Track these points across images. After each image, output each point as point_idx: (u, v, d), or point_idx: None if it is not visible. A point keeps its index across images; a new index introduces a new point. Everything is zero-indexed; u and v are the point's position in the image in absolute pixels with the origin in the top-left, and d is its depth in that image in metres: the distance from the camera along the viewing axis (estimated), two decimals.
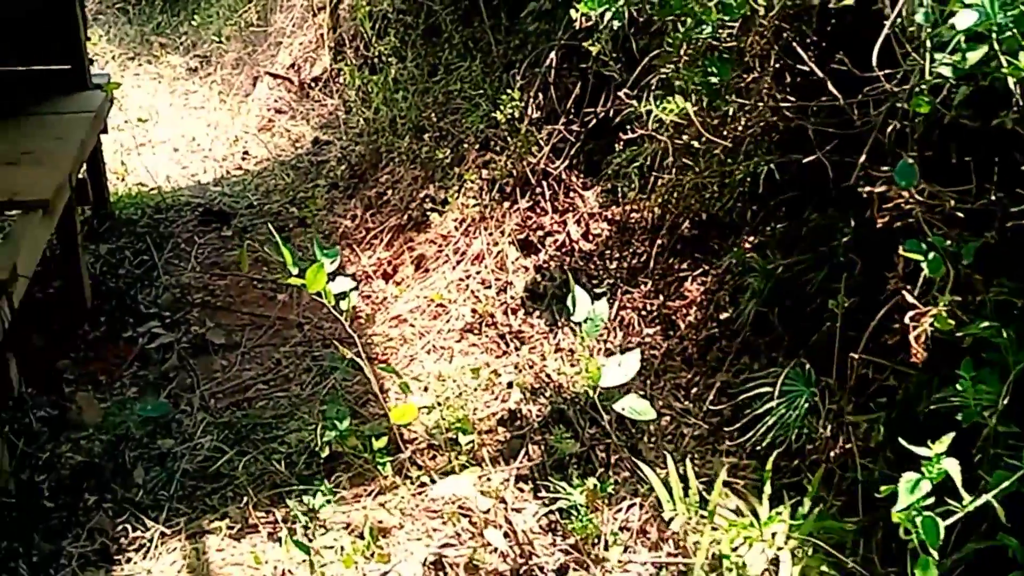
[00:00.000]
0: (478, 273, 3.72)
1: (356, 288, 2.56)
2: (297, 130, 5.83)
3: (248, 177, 5.40)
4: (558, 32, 3.85)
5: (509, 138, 3.86)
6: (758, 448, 2.47)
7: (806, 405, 2.34)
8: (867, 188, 1.94)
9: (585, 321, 2.30)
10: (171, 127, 6.37)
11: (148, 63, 7.84)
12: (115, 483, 2.55)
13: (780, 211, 2.83)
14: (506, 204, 3.83)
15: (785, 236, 2.70)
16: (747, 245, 2.88)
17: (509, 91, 3.81)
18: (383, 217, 4.49)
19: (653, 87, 2.99)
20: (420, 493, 2.62)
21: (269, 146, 5.75)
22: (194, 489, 2.65)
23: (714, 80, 2.19)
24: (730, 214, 2.95)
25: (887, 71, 1.93)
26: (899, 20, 1.89)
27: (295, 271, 2.41)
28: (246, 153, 5.77)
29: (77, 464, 2.55)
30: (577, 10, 3.24)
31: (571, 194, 3.69)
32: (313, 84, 5.95)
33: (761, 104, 2.31)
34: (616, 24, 2.67)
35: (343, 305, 2.50)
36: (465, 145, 4.19)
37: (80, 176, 4.05)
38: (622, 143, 3.30)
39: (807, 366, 2.38)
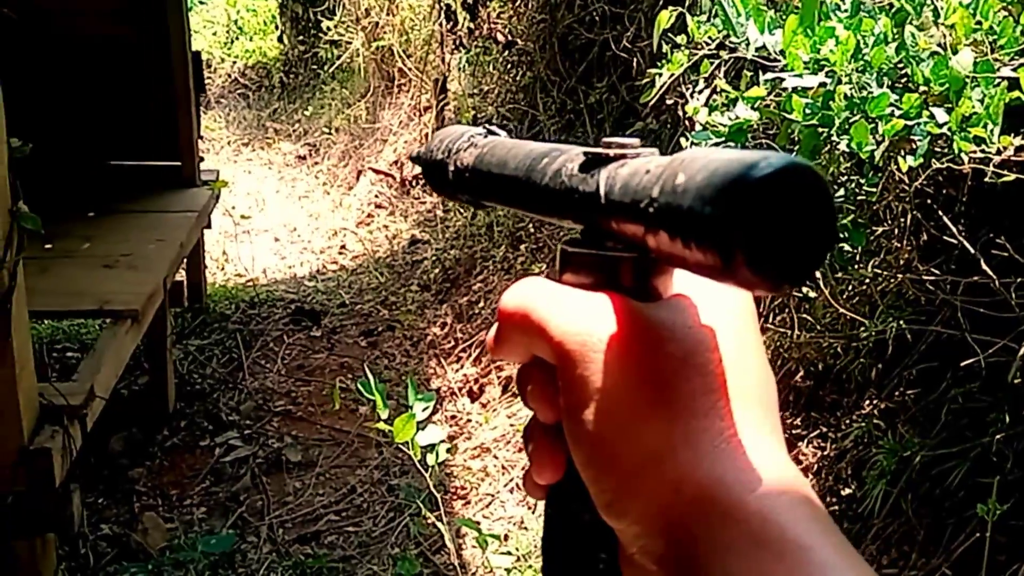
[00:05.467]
0: None
1: (444, 441, 2.37)
2: (395, 227, 5.81)
3: (343, 273, 5.37)
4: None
5: None
6: None
7: None
8: None
9: None
10: (275, 215, 6.47)
11: (261, 149, 8.08)
12: None
13: (911, 375, 2.52)
14: None
15: (919, 409, 2.38)
16: (872, 410, 2.57)
17: None
18: (473, 329, 4.33)
19: None
20: None
21: (366, 242, 5.73)
22: None
23: (847, 248, 1.95)
24: (851, 370, 2.65)
25: None
26: None
27: (384, 415, 2.27)
28: (343, 247, 5.77)
29: None
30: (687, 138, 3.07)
31: None
32: (414, 182, 5.94)
33: (900, 275, 2.05)
34: None
35: (430, 460, 2.31)
36: None
37: (178, 277, 4.06)
38: None
39: None
